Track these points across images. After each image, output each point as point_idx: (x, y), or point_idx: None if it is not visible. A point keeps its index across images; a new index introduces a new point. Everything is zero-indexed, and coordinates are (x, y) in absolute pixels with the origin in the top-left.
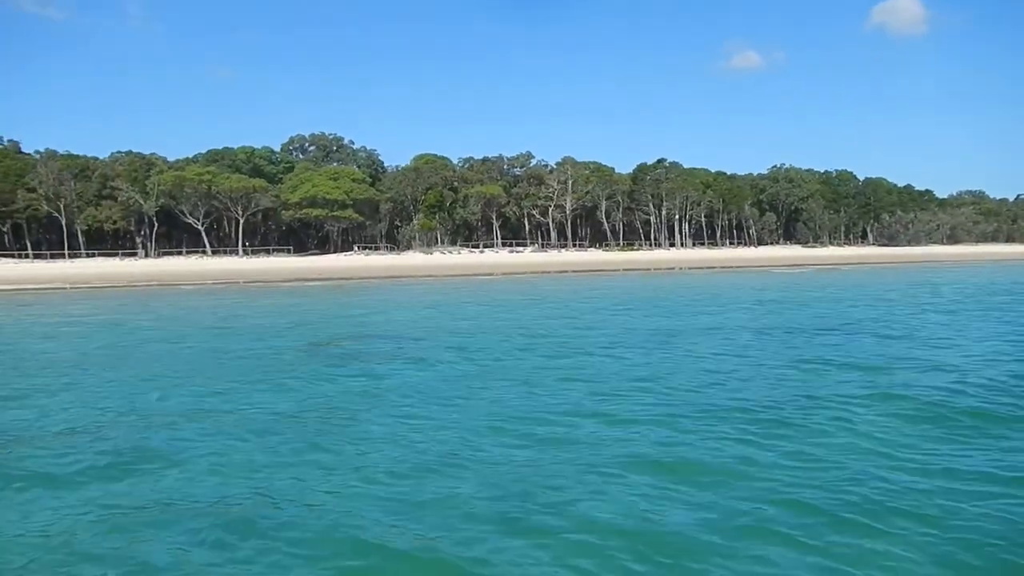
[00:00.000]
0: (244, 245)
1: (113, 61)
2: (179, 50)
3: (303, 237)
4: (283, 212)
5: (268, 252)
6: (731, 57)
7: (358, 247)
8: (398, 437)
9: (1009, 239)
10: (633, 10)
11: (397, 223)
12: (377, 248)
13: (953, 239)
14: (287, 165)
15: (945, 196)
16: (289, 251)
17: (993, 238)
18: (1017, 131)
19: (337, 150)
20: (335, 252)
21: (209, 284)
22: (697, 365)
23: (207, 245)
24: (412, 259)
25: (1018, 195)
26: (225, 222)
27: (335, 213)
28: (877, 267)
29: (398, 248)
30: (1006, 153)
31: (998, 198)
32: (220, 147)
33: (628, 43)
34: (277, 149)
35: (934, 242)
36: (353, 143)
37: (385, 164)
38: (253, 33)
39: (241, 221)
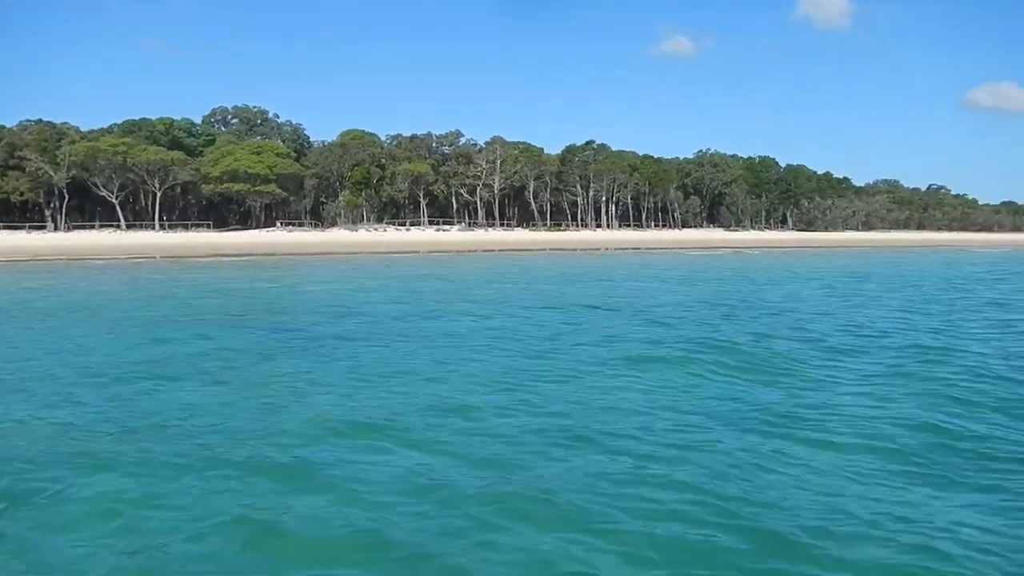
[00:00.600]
0: (162, 220)
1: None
2: (104, 20)
3: (224, 212)
4: (203, 186)
5: (187, 227)
6: (662, 42)
7: (281, 223)
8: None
9: (920, 227)
10: None
11: (322, 199)
12: (301, 224)
13: (868, 226)
14: (208, 138)
15: (862, 184)
16: (209, 226)
17: (905, 225)
18: (932, 123)
19: (261, 124)
20: (257, 228)
21: (122, 259)
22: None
23: (122, 219)
24: (337, 236)
25: (930, 185)
26: (142, 196)
27: (258, 188)
28: (789, 251)
29: (323, 225)
30: (921, 144)
31: (911, 187)
32: (137, 118)
33: (560, 26)
34: (198, 122)
35: (850, 228)
36: (278, 117)
37: (311, 139)
38: (182, 3)
39: (158, 195)
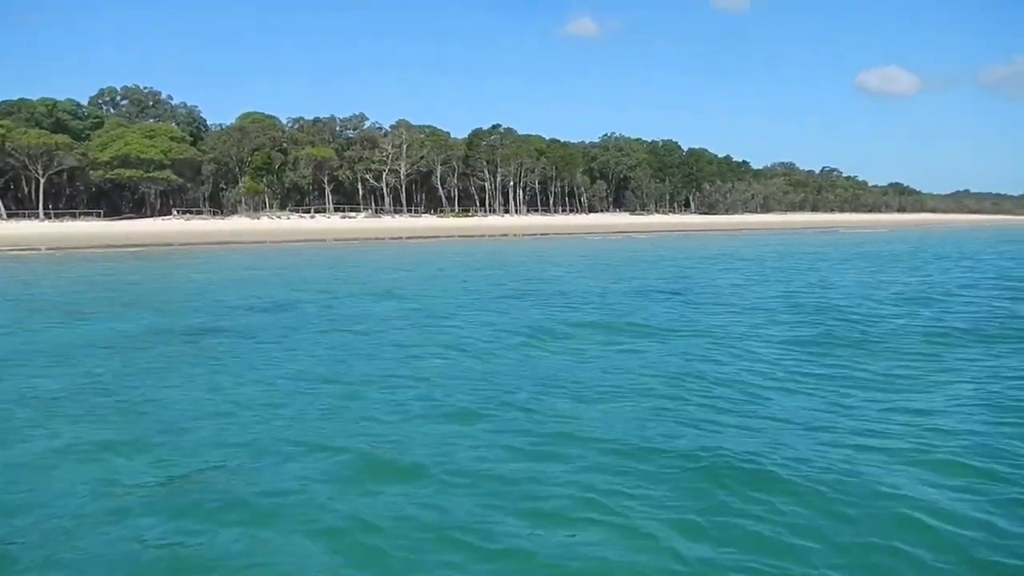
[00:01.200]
0: (47, 208)
1: None
2: None
3: (116, 200)
4: (91, 172)
5: (75, 216)
6: (568, 23)
7: (178, 211)
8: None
9: (814, 208)
10: None
11: (222, 186)
12: (200, 212)
13: (766, 208)
14: (96, 121)
15: (760, 167)
16: (99, 215)
17: (800, 207)
18: (828, 104)
19: (154, 105)
20: (152, 216)
21: (4, 250)
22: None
23: (1, 208)
24: (237, 224)
25: (823, 167)
26: (24, 182)
27: (151, 174)
28: (686, 234)
29: (222, 213)
30: (816, 127)
31: (806, 170)
32: (15, 98)
33: (468, 3)
34: (84, 103)
35: (749, 211)
36: (172, 99)
37: (208, 123)
38: None
39: (42, 181)
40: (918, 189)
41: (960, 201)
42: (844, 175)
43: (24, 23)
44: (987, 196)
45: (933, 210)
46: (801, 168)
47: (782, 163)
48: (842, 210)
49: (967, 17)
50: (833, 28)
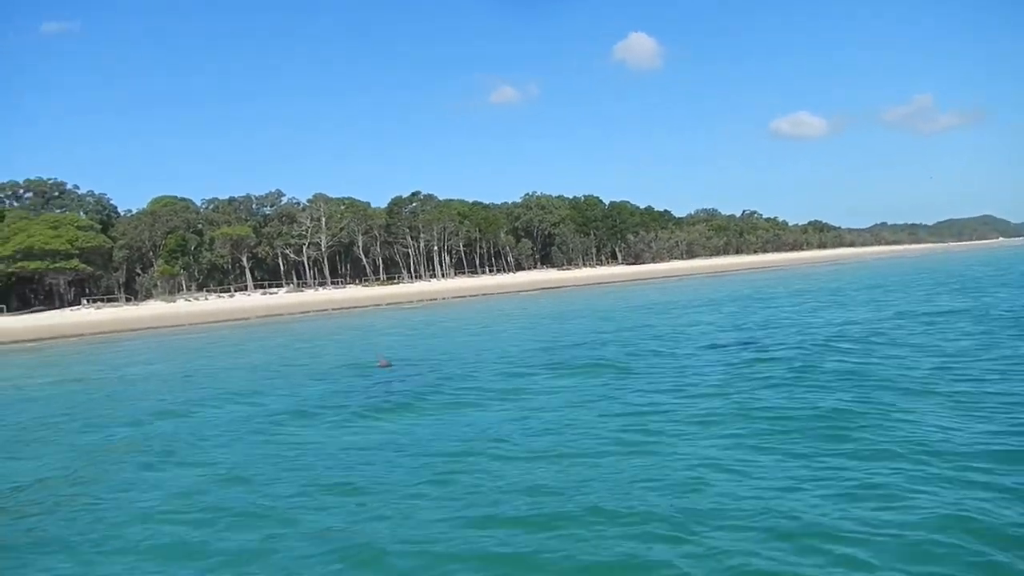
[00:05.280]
0: None
1: None
2: None
3: (24, 292)
4: None
5: None
6: (488, 93)
7: (88, 300)
8: None
9: (738, 251)
10: (384, 46)
11: (137, 271)
12: (114, 299)
13: (690, 254)
14: None
15: (683, 215)
16: (2, 310)
17: (724, 251)
18: (745, 150)
19: (59, 196)
20: (62, 307)
21: None
22: None
23: None
24: (151, 309)
25: (744, 210)
26: None
27: (57, 265)
28: (614, 286)
29: (136, 298)
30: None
31: (728, 214)
32: None
33: (379, 80)
34: None
35: (675, 258)
36: (79, 188)
37: (119, 209)
38: None
39: None
40: (837, 225)
41: (878, 234)
42: (764, 217)
43: None
44: (903, 227)
45: (851, 244)
46: (723, 213)
47: (704, 209)
48: (764, 250)
49: (867, 62)
50: (744, 79)
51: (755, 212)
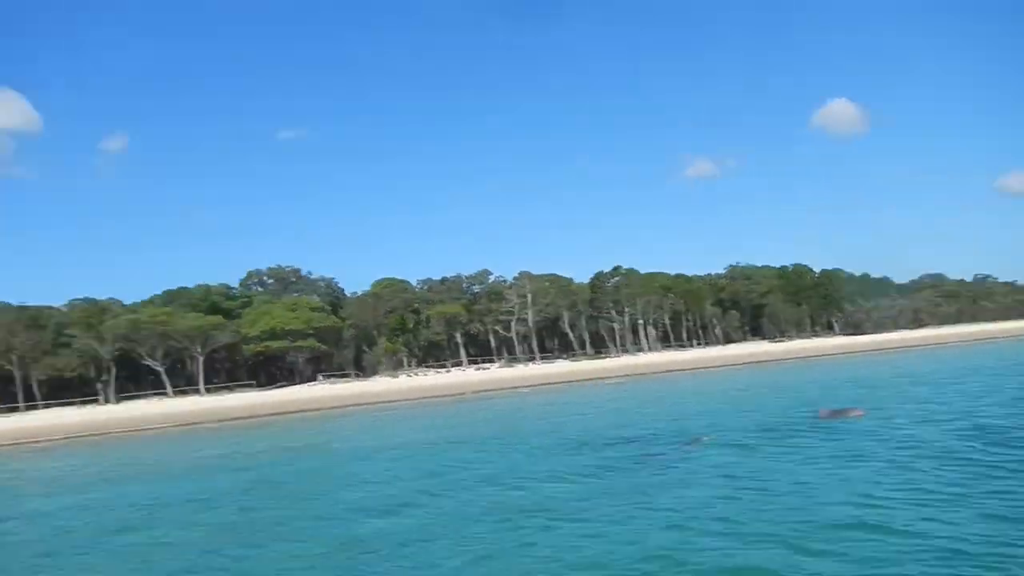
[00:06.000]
0: (209, 383)
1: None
2: (156, 196)
3: (272, 369)
4: (244, 347)
5: (230, 388)
6: (685, 168)
7: (323, 375)
8: None
9: (973, 319)
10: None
11: (364, 348)
12: (345, 375)
13: (918, 323)
14: (245, 300)
15: (905, 282)
16: (253, 385)
17: (957, 319)
18: (968, 213)
19: (296, 281)
20: (301, 383)
21: (168, 427)
22: None
23: (168, 386)
24: (376, 385)
25: (975, 275)
26: (188, 361)
27: (296, 344)
28: (822, 359)
29: (364, 374)
30: (960, 236)
31: (957, 279)
32: (175, 287)
33: (579, 158)
34: (235, 285)
35: (900, 327)
36: (311, 273)
37: (346, 291)
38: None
39: (201, 359)
40: None
41: None
42: (1000, 281)
43: (197, 217)
44: None
45: None
46: (951, 278)
47: (929, 275)
48: (1007, 318)
49: None
50: (963, 135)
51: (989, 276)
